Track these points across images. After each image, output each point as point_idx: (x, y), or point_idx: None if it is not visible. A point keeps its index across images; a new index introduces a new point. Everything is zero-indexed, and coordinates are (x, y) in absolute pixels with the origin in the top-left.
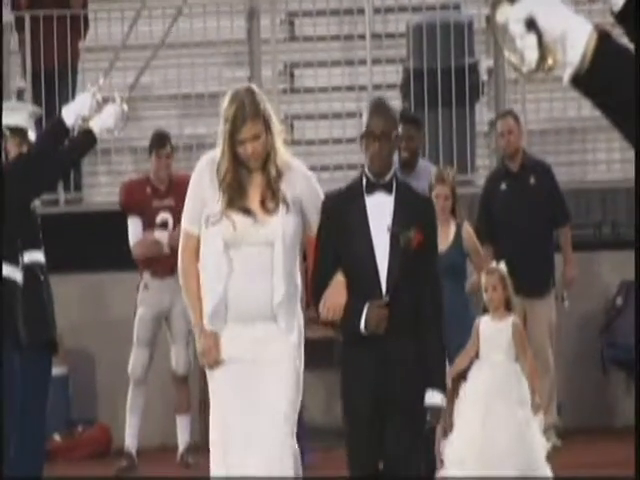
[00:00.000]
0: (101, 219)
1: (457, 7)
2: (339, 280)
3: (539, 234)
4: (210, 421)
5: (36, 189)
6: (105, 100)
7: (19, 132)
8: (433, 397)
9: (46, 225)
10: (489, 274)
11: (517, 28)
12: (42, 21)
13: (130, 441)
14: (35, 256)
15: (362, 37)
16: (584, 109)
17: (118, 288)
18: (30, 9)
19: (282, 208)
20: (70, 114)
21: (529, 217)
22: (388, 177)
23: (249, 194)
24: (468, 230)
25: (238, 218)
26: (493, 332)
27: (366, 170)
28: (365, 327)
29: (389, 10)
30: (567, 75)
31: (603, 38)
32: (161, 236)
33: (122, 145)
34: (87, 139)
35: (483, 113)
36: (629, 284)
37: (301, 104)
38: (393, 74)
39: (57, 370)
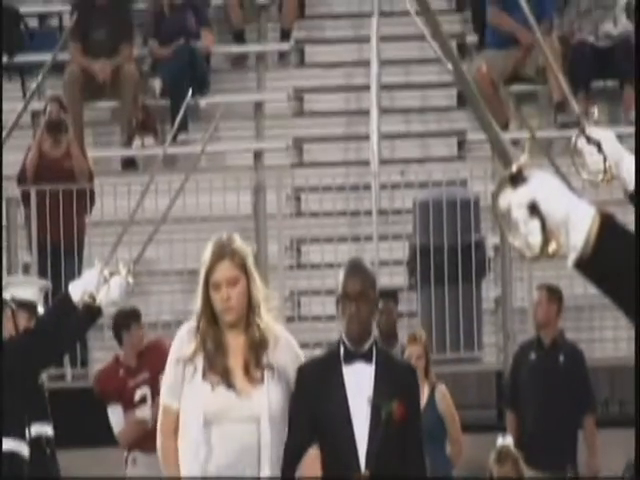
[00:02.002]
0: None
1: (464, 183)
2: (313, 454)
3: (562, 411)
4: None
5: (42, 364)
6: (112, 274)
7: (29, 306)
8: None
9: (52, 400)
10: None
11: (520, 213)
12: (48, 195)
13: None
14: (43, 429)
15: (368, 213)
16: (591, 287)
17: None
18: (36, 184)
19: (267, 376)
20: (77, 291)
21: (553, 393)
22: (367, 345)
23: (231, 359)
24: (443, 393)
25: (220, 391)
26: None
27: (344, 337)
28: None
29: (395, 186)
30: (571, 260)
31: (606, 222)
32: (143, 413)
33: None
34: (92, 313)
35: (490, 290)
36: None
37: (307, 280)
38: (399, 250)
39: None
